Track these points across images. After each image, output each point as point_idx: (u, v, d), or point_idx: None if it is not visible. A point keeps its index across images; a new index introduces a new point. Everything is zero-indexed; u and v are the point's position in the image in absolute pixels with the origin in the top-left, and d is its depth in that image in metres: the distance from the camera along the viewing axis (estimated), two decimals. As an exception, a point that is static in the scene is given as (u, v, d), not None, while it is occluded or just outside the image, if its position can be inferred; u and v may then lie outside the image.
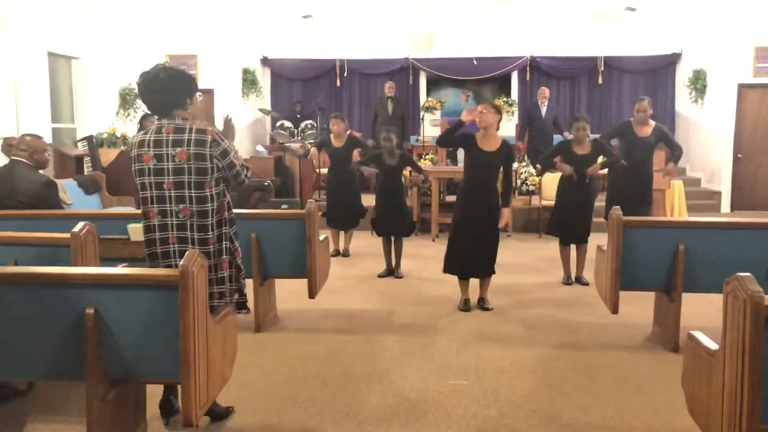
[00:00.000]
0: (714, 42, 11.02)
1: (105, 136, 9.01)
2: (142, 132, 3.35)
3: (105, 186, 8.15)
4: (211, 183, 3.26)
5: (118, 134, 9.13)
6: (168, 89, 3.23)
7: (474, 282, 5.61)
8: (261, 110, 12.51)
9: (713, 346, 2.68)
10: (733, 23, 10.38)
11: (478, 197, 5.31)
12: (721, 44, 10.81)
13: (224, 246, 3.38)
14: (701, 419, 2.79)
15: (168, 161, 3.20)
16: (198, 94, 3.38)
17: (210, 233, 3.28)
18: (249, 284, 4.71)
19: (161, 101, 3.24)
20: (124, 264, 3.96)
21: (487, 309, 5.47)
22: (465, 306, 5.47)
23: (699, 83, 11.45)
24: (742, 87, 10.59)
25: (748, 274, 2.41)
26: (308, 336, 4.81)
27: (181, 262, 2.72)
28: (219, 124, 11.55)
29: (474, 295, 5.58)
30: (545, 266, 7.04)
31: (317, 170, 10.26)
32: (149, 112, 8.37)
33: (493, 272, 5.51)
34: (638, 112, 6.56)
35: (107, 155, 8.76)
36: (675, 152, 6.75)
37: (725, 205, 10.73)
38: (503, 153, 5.29)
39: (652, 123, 6.59)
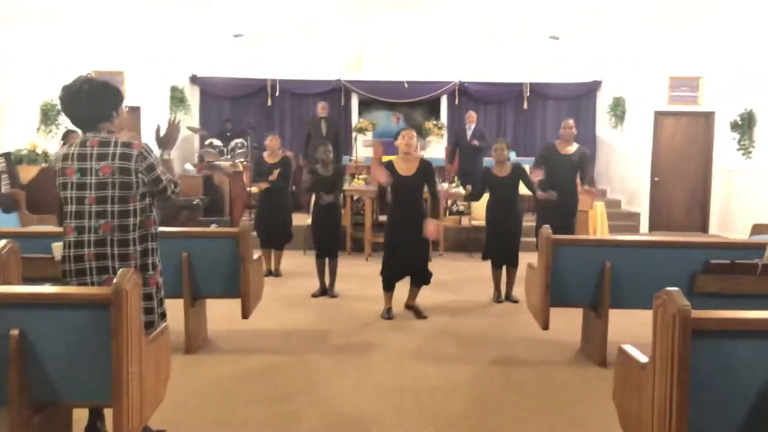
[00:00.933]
0: (632, 71, 11.59)
1: (25, 152, 8.64)
2: (66, 145, 3.24)
3: (24, 204, 7.82)
4: (135, 197, 3.18)
5: (39, 151, 8.77)
6: (93, 102, 3.13)
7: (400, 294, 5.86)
8: (189, 128, 12.25)
9: (643, 359, 2.78)
10: (650, 54, 10.96)
11: (402, 217, 5.62)
12: (639, 73, 11.38)
13: (149, 261, 3.29)
14: (632, 431, 2.88)
15: (91, 175, 3.11)
16: (124, 105, 3.30)
17: (131, 248, 3.18)
18: (179, 305, 4.64)
19: (86, 115, 3.15)
20: (49, 284, 3.79)
21: (422, 316, 5.76)
22: (389, 314, 5.75)
23: (618, 110, 11.99)
24: (658, 114, 11.15)
25: (677, 288, 2.52)
26: (241, 357, 4.71)
27: (114, 280, 2.63)
28: (148, 141, 11.27)
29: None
30: (476, 284, 7.15)
31: (248, 189, 10.13)
32: (72, 128, 8.08)
33: (427, 282, 5.80)
34: (564, 128, 6.84)
35: (27, 172, 8.42)
36: (584, 180, 7.02)
37: (644, 225, 11.21)
38: (421, 173, 5.64)
39: (576, 144, 6.88)
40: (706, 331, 2.49)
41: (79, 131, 3.27)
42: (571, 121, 6.90)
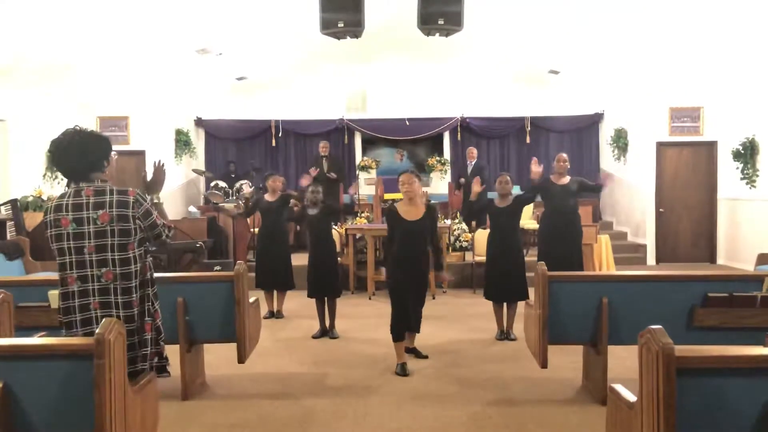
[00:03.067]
0: (633, 103, 11.64)
1: (30, 199, 8.75)
2: (58, 196, 3.29)
3: (29, 251, 7.87)
4: (134, 244, 3.22)
5: (45, 197, 8.88)
6: (84, 154, 3.19)
7: None
8: (195, 171, 12.41)
9: (632, 398, 2.74)
10: (650, 86, 11.01)
11: (407, 267, 5.34)
12: (640, 105, 11.43)
13: (146, 307, 3.33)
14: (625, 472, 2.82)
15: (89, 224, 3.15)
16: (113, 153, 3.35)
17: (134, 295, 3.24)
18: (175, 350, 4.63)
19: (79, 167, 3.20)
20: (43, 333, 3.81)
21: (423, 357, 5.69)
22: (404, 370, 5.29)
23: (621, 141, 12.00)
24: (660, 145, 11.14)
25: (659, 326, 2.50)
26: (237, 402, 4.67)
27: (97, 330, 2.64)
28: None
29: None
30: (479, 322, 7.08)
31: (252, 230, 10.17)
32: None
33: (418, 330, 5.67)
34: (558, 162, 6.91)
35: (32, 219, 8.48)
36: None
37: (651, 257, 11.12)
38: (427, 218, 5.40)
39: (568, 176, 6.92)
40: (691, 369, 2.45)
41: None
42: (564, 155, 6.98)
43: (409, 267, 5.35)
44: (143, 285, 3.32)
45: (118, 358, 2.69)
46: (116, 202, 3.18)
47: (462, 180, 10.97)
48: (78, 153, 3.20)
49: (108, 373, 2.62)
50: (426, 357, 5.71)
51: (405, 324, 5.42)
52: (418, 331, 5.65)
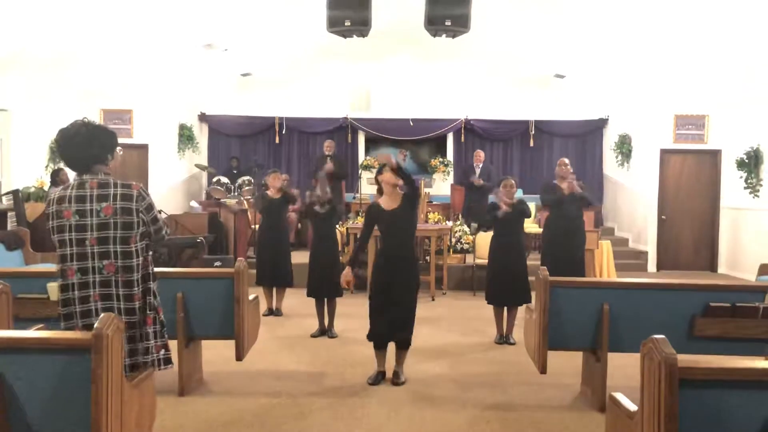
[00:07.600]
0: (638, 109, 11.60)
1: (32, 190, 8.73)
2: (61, 187, 3.28)
3: (29, 242, 7.86)
4: (135, 238, 3.23)
5: (47, 188, 8.87)
6: (90, 145, 3.20)
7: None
8: (197, 166, 12.38)
9: (633, 407, 2.72)
10: (655, 92, 10.97)
11: (392, 264, 5.01)
12: (645, 111, 11.39)
13: (148, 301, 3.33)
14: (623, 481, 2.80)
15: (92, 217, 3.15)
16: (118, 148, 3.35)
17: (135, 289, 3.23)
18: (173, 346, 4.60)
19: (83, 157, 3.21)
20: (40, 326, 3.79)
21: (398, 384, 5.00)
22: (375, 379, 5.04)
23: (625, 147, 11.96)
24: (664, 152, 11.11)
25: (662, 336, 2.48)
26: (234, 399, 4.65)
27: (96, 324, 2.62)
28: (155, 179, 11.35)
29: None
30: (479, 325, 7.06)
31: (252, 226, 10.16)
32: (62, 167, 8.14)
33: (409, 343, 5.11)
34: (560, 166, 6.87)
35: (34, 209, 8.47)
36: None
37: (652, 264, 11.08)
38: (407, 201, 5.02)
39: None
40: (694, 380, 2.43)
41: (67, 171, 3.34)
42: (566, 159, 6.95)
43: (392, 268, 4.99)
44: (146, 279, 3.32)
45: (115, 353, 2.67)
46: (120, 195, 3.19)
47: (478, 181, 10.76)
48: (82, 144, 3.21)
49: (105, 368, 2.59)
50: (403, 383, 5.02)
51: (382, 335, 5.05)
52: (405, 348, 5.10)
